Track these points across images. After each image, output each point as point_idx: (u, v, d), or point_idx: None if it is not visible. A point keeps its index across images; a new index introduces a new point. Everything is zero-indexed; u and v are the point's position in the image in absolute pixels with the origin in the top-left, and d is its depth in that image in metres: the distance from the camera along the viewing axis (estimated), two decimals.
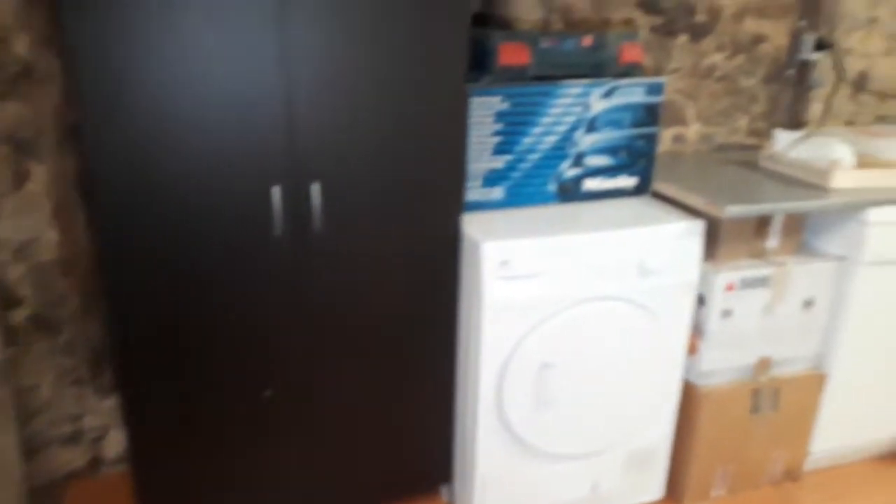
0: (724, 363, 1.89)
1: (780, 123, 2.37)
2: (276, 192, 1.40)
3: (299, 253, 1.47)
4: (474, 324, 1.62)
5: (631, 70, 1.74)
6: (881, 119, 2.50)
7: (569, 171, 1.79)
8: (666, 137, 2.30)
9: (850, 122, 2.48)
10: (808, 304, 1.90)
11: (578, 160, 1.79)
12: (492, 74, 1.62)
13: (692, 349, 1.87)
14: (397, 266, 1.57)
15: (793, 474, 2.09)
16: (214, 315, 1.46)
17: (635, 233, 1.66)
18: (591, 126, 1.76)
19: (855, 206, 1.81)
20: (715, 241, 1.82)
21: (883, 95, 2.48)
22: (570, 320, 1.65)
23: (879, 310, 1.95)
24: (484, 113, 1.65)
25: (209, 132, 1.32)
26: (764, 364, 1.93)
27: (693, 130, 2.32)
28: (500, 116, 1.67)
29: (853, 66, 2.40)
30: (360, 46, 1.38)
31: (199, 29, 1.26)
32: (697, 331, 1.85)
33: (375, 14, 1.36)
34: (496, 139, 1.69)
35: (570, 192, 1.82)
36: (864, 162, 1.92)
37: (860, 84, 2.43)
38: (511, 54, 1.61)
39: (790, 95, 2.37)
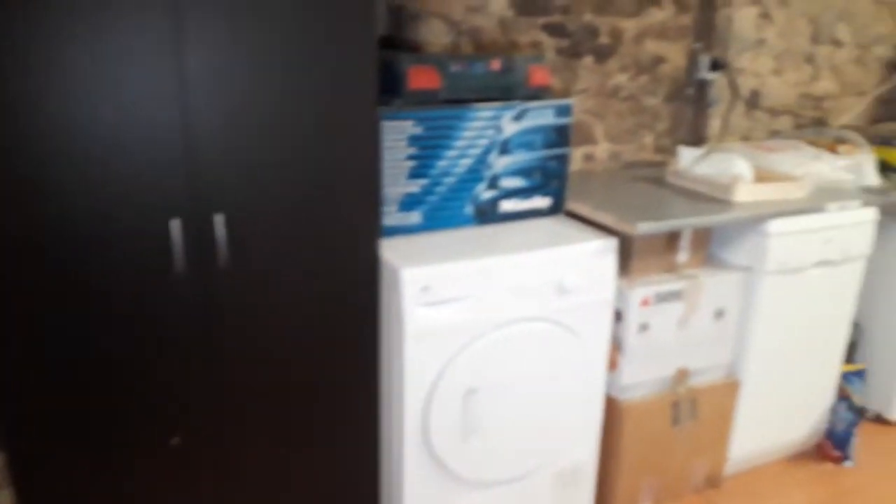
0: (643, 376, 1.93)
1: (683, 140, 2.47)
2: (176, 226, 1.31)
3: (203, 290, 1.38)
4: (397, 352, 1.57)
5: (540, 92, 1.75)
6: (774, 134, 2.65)
7: (485, 193, 1.78)
8: (577, 157, 2.34)
9: (745, 138, 2.61)
10: (720, 314, 1.97)
11: (494, 182, 1.78)
12: (402, 98, 1.60)
13: (612, 365, 1.89)
14: (312, 298, 1.50)
15: (714, 481, 2.14)
16: (111, 360, 1.34)
17: (553, 253, 1.67)
18: (505, 148, 1.76)
19: (757, 219, 1.89)
20: (628, 257, 1.86)
21: (774, 112, 2.63)
22: (493, 344, 1.63)
23: (783, 316, 2.04)
24: (397, 137, 1.62)
25: (98, 167, 1.22)
26: (681, 375, 1.97)
27: (602, 149, 2.38)
28: (414, 140, 1.64)
29: (746, 84, 2.53)
30: (263, 72, 1.31)
31: (84, 60, 1.16)
32: (617, 346, 1.88)
33: (278, 39, 1.31)
34: (411, 163, 1.66)
35: (487, 214, 1.81)
36: (761, 176, 2.01)
37: (753, 101, 2.57)
38: (421, 78, 1.59)
39: (690, 113, 2.47)
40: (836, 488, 2.15)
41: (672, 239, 1.92)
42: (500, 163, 1.77)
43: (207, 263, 1.36)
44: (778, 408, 2.18)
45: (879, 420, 2.46)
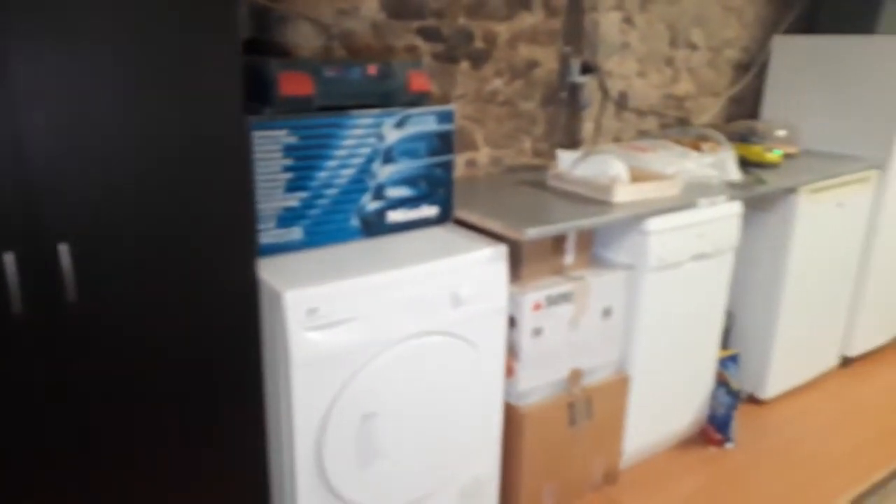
0: (539, 381, 1.91)
1: (559, 143, 2.51)
2: (10, 260, 1.12)
3: (49, 331, 1.19)
4: (283, 382, 1.45)
5: (420, 98, 1.69)
6: (642, 134, 2.76)
7: (370, 204, 1.69)
8: (460, 163, 2.31)
9: (617, 139, 2.70)
10: (607, 312, 2.00)
11: (379, 192, 1.70)
12: (274, 106, 1.48)
13: (509, 372, 1.86)
14: (182, 329, 1.34)
15: (611, 476, 2.17)
16: None
17: (446, 263, 1.61)
18: (388, 157, 1.68)
19: (636, 218, 1.93)
20: (518, 262, 1.84)
21: (641, 112, 2.74)
22: (389, 363, 1.54)
23: (665, 309, 2.11)
24: (270, 148, 1.49)
25: None
26: (575, 375, 1.98)
27: (483, 154, 2.36)
28: (290, 150, 1.52)
29: (615, 87, 2.62)
30: (109, 85, 1.15)
31: None
32: (512, 353, 1.85)
33: (126, 48, 1.15)
34: (288, 175, 1.54)
35: (374, 226, 1.72)
36: (636, 176, 2.07)
37: (622, 103, 2.66)
38: (293, 84, 1.48)
39: (565, 116, 2.52)
40: (721, 469, 2.26)
41: (558, 242, 1.92)
42: (384, 172, 1.69)
43: (52, 301, 1.17)
44: (665, 398, 2.25)
45: (753, 400, 2.62)
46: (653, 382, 2.17)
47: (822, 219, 2.44)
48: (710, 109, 2.95)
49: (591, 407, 2.02)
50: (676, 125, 2.83)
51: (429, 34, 2.10)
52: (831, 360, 2.83)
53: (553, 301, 1.86)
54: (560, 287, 1.87)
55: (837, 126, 2.70)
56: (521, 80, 2.36)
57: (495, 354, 1.77)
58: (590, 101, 2.54)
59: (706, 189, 2.13)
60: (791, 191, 2.32)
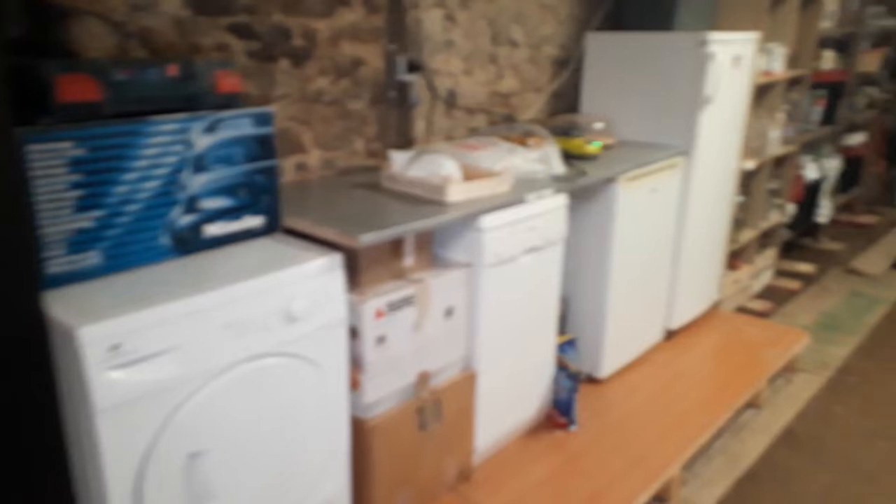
0: (386, 390, 1.85)
1: (392, 143, 2.46)
2: None
3: None
4: (87, 431, 1.26)
5: (231, 100, 1.56)
6: (472, 131, 2.79)
7: (183, 218, 1.53)
8: (288, 167, 2.18)
9: (449, 137, 2.71)
10: (449, 312, 1.98)
11: (192, 205, 1.54)
12: (52, 115, 1.27)
13: (355, 385, 1.78)
14: None
15: (465, 474, 2.17)
16: None
17: (275, 278, 1.49)
18: (200, 165, 1.53)
19: (470, 216, 1.93)
20: (356, 270, 1.76)
21: (470, 110, 2.76)
22: (216, 395, 1.40)
23: (504, 303, 2.14)
24: (52, 163, 1.29)
25: None
26: (423, 379, 1.94)
27: (314, 157, 2.25)
28: (78, 165, 1.32)
29: (442, 84, 2.61)
30: None
31: None
32: (356, 365, 1.77)
33: None
34: (77, 192, 1.34)
35: (189, 243, 1.56)
36: (468, 174, 2.07)
37: (451, 101, 2.67)
38: (75, 89, 1.29)
39: (396, 115, 2.47)
40: (567, 452, 2.34)
41: (397, 245, 1.87)
42: (196, 182, 1.53)
43: None
44: (511, 389, 2.29)
45: (592, 380, 2.75)
46: (499, 375, 2.20)
47: (639, 204, 2.61)
48: (534, 105, 3.05)
49: (441, 408, 2.00)
50: (503, 122, 2.90)
51: (241, 31, 1.95)
52: (657, 335, 3.05)
53: (395, 306, 1.81)
54: (401, 291, 1.82)
55: (648, 117, 2.90)
56: (348, 79, 2.28)
57: (338, 369, 1.68)
58: (419, 99, 2.51)
59: (533, 184, 2.18)
60: (610, 180, 2.45)
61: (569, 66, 3.13)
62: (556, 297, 2.39)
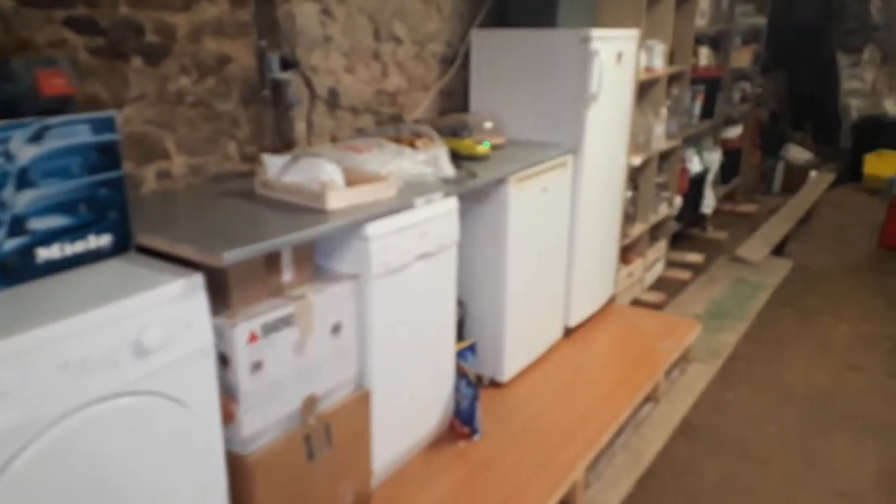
0: (268, 419, 1.69)
1: (270, 146, 2.28)
2: None
3: None
4: None
5: (61, 104, 1.34)
6: (358, 132, 2.65)
7: (6, 242, 1.31)
8: (149, 176, 1.96)
9: (334, 138, 2.55)
10: (336, 328, 1.83)
11: (18, 226, 1.32)
12: None
13: (229, 417, 1.60)
14: None
15: (363, 499, 2.03)
16: None
17: (122, 306, 1.30)
18: (25, 180, 1.31)
19: (354, 225, 1.79)
20: (224, 290, 1.58)
21: (355, 110, 2.62)
22: (52, 447, 1.20)
23: (397, 314, 2.01)
24: None
25: None
26: (309, 403, 1.79)
27: (179, 163, 2.04)
28: None
29: (323, 83, 2.45)
30: None
31: None
32: (230, 396, 1.59)
33: None
34: None
35: (17, 271, 1.34)
36: (352, 178, 1.93)
37: (333, 100, 2.52)
38: None
39: (272, 116, 2.29)
40: (471, 463, 2.25)
41: (273, 259, 1.70)
42: (21, 199, 1.31)
43: None
44: (410, 403, 2.17)
45: (494, 385, 2.68)
46: (396, 391, 2.07)
47: (531, 204, 2.56)
48: (422, 104, 2.94)
49: (331, 433, 1.85)
50: (391, 122, 2.77)
51: (81, 26, 1.72)
52: (557, 333, 3.03)
53: (271, 328, 1.64)
54: (278, 311, 1.65)
55: (536, 115, 2.86)
56: (214, 78, 2.08)
57: (207, 403, 1.50)
58: (298, 98, 2.34)
59: (422, 187, 2.07)
60: (501, 181, 2.39)
61: (454, 64, 3.04)
62: (453, 303, 2.30)
